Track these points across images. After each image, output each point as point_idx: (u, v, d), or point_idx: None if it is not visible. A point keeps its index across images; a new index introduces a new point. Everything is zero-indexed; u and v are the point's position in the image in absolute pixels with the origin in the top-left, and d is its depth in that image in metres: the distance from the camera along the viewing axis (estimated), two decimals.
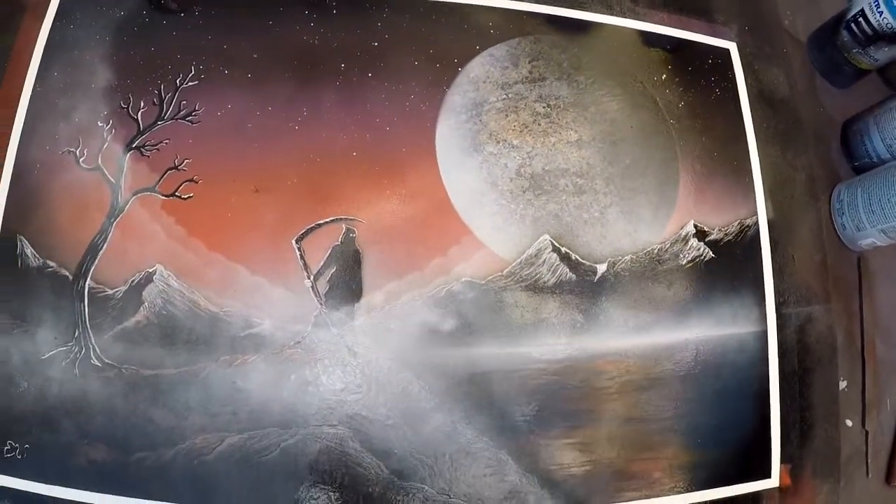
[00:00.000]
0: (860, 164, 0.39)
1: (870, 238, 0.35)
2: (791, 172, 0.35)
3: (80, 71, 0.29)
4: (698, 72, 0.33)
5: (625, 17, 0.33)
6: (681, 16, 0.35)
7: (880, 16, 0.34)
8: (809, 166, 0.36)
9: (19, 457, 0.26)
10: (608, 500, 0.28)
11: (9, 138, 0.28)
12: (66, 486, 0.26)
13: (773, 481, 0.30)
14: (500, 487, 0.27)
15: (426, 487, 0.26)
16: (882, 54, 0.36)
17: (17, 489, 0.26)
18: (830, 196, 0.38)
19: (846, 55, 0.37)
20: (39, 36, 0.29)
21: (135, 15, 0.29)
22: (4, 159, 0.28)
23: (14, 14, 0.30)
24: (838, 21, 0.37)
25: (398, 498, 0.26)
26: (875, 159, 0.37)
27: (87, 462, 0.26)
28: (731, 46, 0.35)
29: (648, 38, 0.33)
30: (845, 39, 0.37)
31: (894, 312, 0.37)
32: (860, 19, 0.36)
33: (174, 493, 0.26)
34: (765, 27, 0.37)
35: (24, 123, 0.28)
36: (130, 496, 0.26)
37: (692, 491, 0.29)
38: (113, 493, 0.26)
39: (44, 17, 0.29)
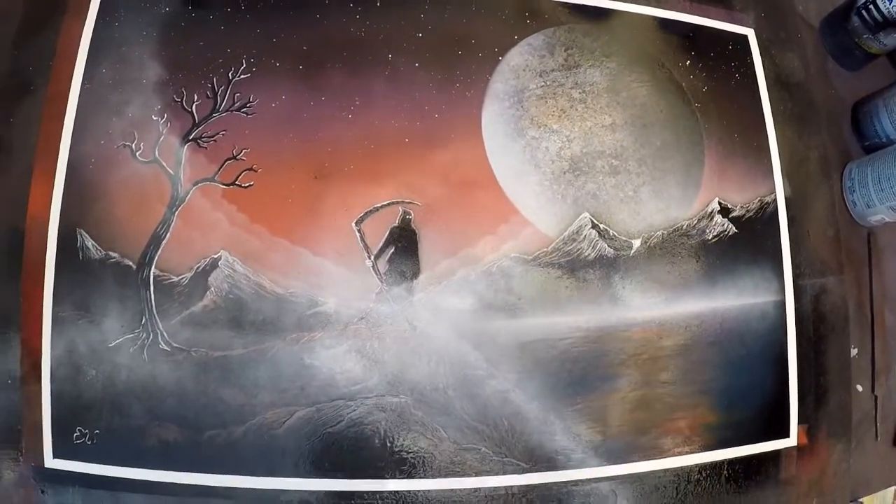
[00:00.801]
0: (870, 144, 0.43)
1: (879, 214, 0.40)
2: (806, 152, 0.40)
3: (129, 67, 0.31)
4: (719, 58, 0.37)
5: (650, 6, 0.37)
6: (701, 4, 0.39)
7: (890, 3, 0.38)
8: (823, 146, 0.40)
9: (89, 442, 0.29)
10: (644, 456, 0.32)
11: (60, 135, 0.31)
12: (138, 467, 0.29)
13: (791, 440, 0.35)
14: (549, 446, 0.31)
15: (482, 448, 0.30)
16: (891, 40, 0.40)
17: (87, 473, 0.29)
18: (842, 174, 0.43)
19: (856, 40, 0.42)
20: (83, 34, 0.31)
21: (180, 11, 0.32)
22: (58, 156, 0.30)
23: (55, 14, 0.32)
24: (849, 7, 0.42)
25: (457, 459, 0.30)
26: (884, 139, 0.42)
27: (158, 443, 0.29)
28: (749, 33, 0.39)
29: (672, 26, 0.37)
30: (856, 25, 0.41)
31: None
32: (870, 6, 0.40)
33: (246, 467, 0.29)
34: (780, 13, 0.41)
35: (76, 120, 0.31)
36: (203, 472, 0.29)
37: (719, 448, 0.34)
38: (185, 471, 0.29)
39: (85, 16, 0.32)
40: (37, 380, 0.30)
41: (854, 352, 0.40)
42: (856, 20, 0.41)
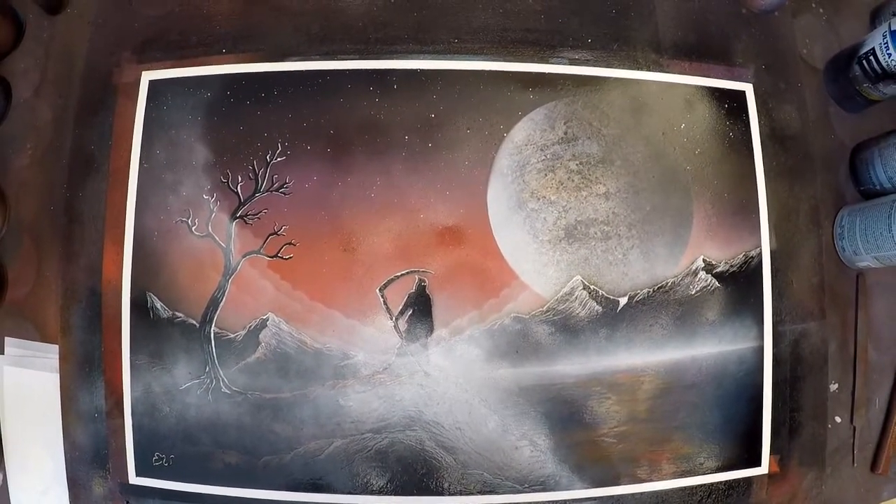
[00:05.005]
0: (865, 190, 0.52)
1: (865, 262, 0.49)
2: (796, 205, 0.48)
3: (179, 149, 0.42)
4: (715, 117, 0.46)
5: (650, 71, 0.46)
6: (701, 63, 0.47)
7: (889, 57, 0.46)
8: (814, 197, 0.48)
9: (166, 465, 0.42)
10: (624, 481, 0.44)
11: (125, 209, 0.42)
12: (207, 484, 0.42)
13: (762, 469, 0.46)
14: (541, 472, 0.43)
15: (484, 473, 0.42)
16: (891, 90, 0.48)
17: (165, 488, 0.42)
18: (834, 219, 0.52)
19: (857, 87, 0.50)
20: (136, 116, 0.42)
21: (220, 96, 0.42)
22: (124, 228, 0.42)
23: (107, 94, 0.43)
24: (851, 55, 0.50)
25: (463, 482, 0.43)
26: (878, 187, 0.51)
27: (223, 465, 0.42)
28: (748, 88, 0.47)
29: (670, 90, 0.46)
30: (857, 74, 0.49)
31: (887, 320, 0.50)
32: (871, 57, 0.47)
33: (294, 485, 0.42)
34: (781, 63, 0.48)
35: (137, 196, 0.42)
36: (259, 489, 0.42)
37: (695, 476, 0.45)
38: (245, 487, 0.42)
39: (136, 97, 0.42)
40: (120, 414, 0.42)
41: (834, 387, 0.50)
42: (857, 69, 0.49)
